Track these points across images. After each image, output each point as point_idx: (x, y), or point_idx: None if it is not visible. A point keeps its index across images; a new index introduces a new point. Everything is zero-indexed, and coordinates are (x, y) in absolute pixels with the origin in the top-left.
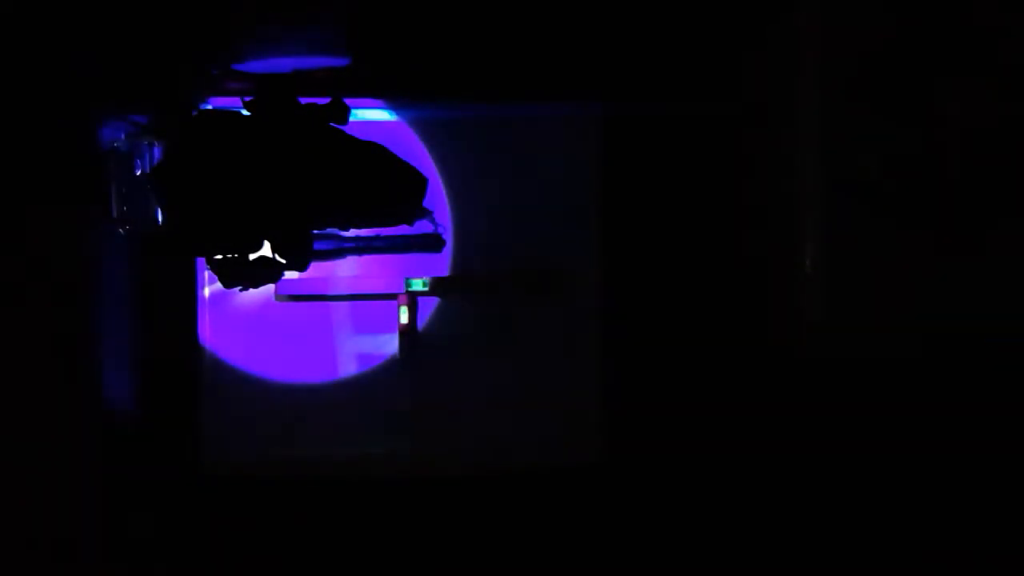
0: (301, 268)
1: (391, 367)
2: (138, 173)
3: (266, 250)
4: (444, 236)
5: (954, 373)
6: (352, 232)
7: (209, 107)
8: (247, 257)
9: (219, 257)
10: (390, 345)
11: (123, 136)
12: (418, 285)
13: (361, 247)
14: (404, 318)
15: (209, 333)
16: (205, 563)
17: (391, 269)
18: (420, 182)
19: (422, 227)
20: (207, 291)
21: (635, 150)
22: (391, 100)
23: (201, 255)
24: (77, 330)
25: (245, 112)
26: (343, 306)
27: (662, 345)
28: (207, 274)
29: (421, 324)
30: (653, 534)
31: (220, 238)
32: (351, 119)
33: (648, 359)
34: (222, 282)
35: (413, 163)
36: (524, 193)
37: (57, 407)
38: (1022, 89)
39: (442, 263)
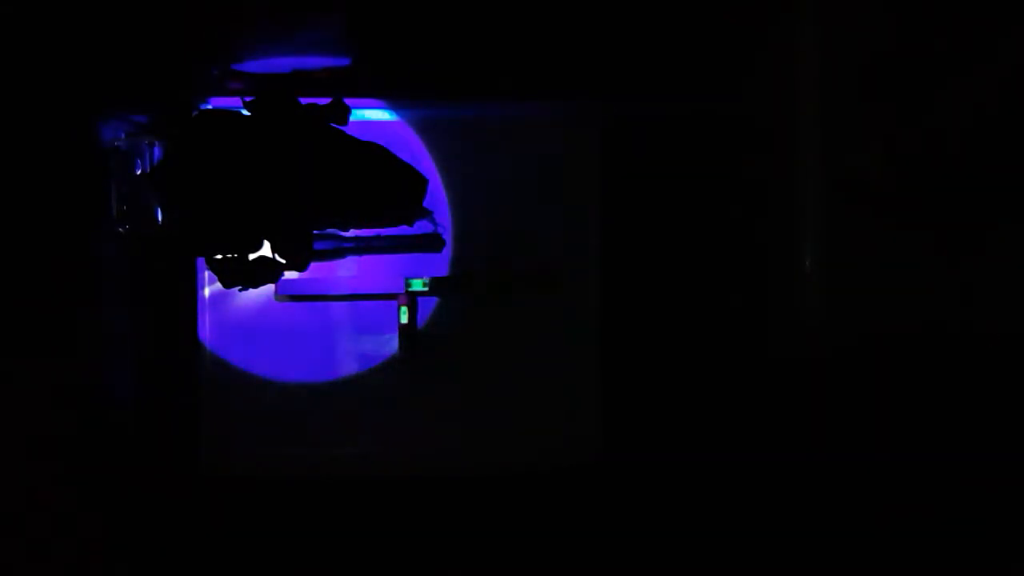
0: (301, 268)
1: (391, 367)
2: (138, 173)
3: (266, 250)
4: (444, 236)
5: (954, 373)
6: (352, 232)
7: (209, 107)
8: (247, 257)
9: (219, 257)
10: (390, 345)
11: (123, 136)
12: (418, 285)
13: (361, 247)
14: (404, 318)
15: (209, 333)
16: (205, 563)
17: (391, 269)
18: (420, 182)
19: (422, 227)
20: (207, 291)
21: (635, 150)
22: (391, 100)
23: (201, 255)
24: (77, 330)
25: (245, 112)
26: (343, 306)
27: (661, 345)
28: (207, 274)
29: (421, 324)
30: (652, 534)
31: (220, 238)
32: (351, 119)
33: (648, 359)
34: (222, 282)
35: (413, 163)
36: (524, 193)
37: (57, 407)
38: (1022, 89)
39: (442, 263)
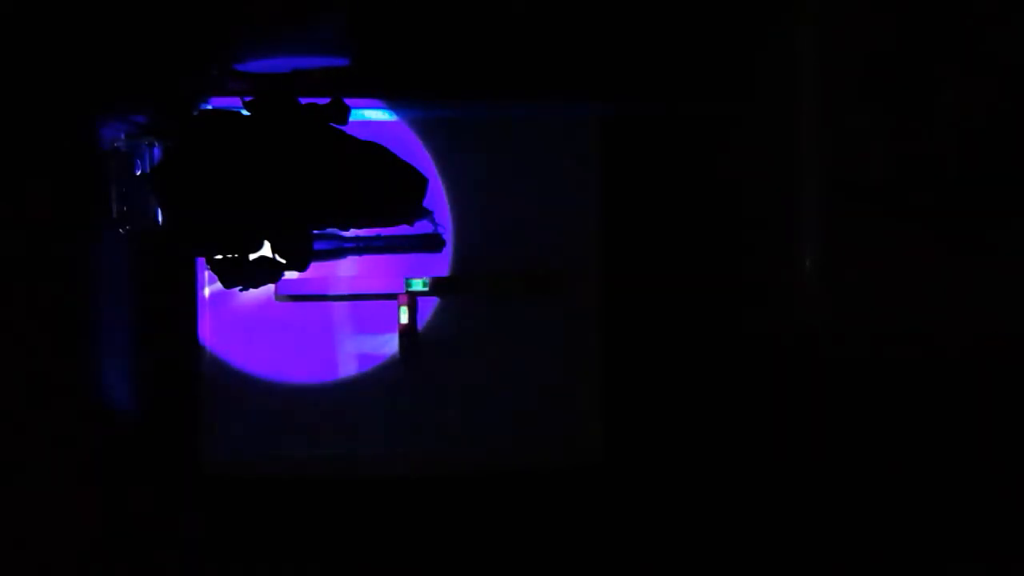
0: (301, 268)
1: (391, 367)
2: (138, 173)
3: (266, 250)
4: (444, 236)
5: (954, 373)
6: (352, 232)
7: (209, 107)
8: (247, 257)
9: (219, 257)
10: (390, 345)
11: (123, 136)
12: (418, 285)
13: (361, 247)
14: (404, 318)
15: (209, 333)
16: (205, 563)
17: (391, 269)
18: (420, 182)
19: (422, 227)
20: (207, 291)
21: (635, 150)
22: (391, 100)
23: (201, 255)
24: (77, 330)
25: (245, 112)
26: (343, 306)
27: (662, 345)
28: (207, 274)
29: (421, 324)
30: (653, 535)
31: (220, 238)
32: (351, 119)
33: (648, 359)
34: (222, 282)
35: (413, 163)
36: (524, 193)
37: (57, 407)
38: (1022, 89)
39: (442, 263)
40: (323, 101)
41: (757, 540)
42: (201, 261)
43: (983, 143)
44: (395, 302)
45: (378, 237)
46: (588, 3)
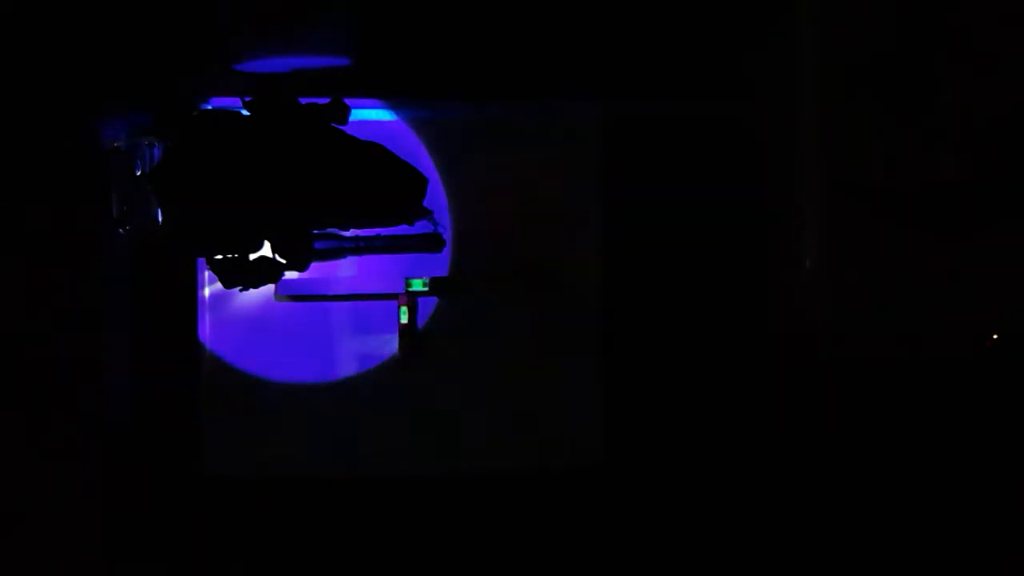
0: (301, 268)
1: (391, 367)
2: (138, 173)
3: (266, 250)
4: (444, 236)
5: (954, 373)
6: (352, 232)
7: (209, 107)
8: (247, 257)
9: (219, 257)
10: (390, 345)
11: (123, 136)
12: (418, 285)
13: (361, 247)
14: (404, 318)
15: (209, 333)
16: (205, 563)
17: (391, 269)
18: (420, 182)
19: (422, 227)
20: (207, 291)
21: (635, 150)
22: (391, 100)
23: (201, 255)
24: (77, 330)
25: (245, 112)
26: (343, 306)
27: (662, 345)
28: (207, 274)
29: (421, 324)
30: (653, 534)
31: (220, 238)
32: (351, 119)
33: (648, 359)
34: (222, 282)
35: (413, 163)
36: (524, 193)
37: (57, 407)
38: (1022, 89)
39: (442, 263)
40: (323, 101)
41: (757, 540)
42: (201, 261)
43: (983, 143)
44: (395, 302)
45: (378, 237)
46: (589, 3)
